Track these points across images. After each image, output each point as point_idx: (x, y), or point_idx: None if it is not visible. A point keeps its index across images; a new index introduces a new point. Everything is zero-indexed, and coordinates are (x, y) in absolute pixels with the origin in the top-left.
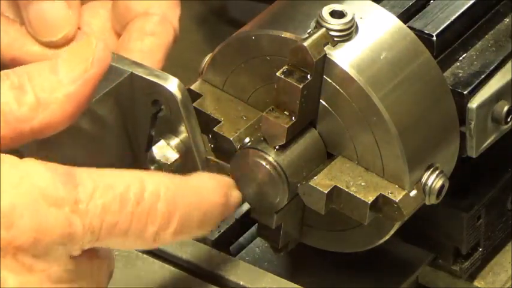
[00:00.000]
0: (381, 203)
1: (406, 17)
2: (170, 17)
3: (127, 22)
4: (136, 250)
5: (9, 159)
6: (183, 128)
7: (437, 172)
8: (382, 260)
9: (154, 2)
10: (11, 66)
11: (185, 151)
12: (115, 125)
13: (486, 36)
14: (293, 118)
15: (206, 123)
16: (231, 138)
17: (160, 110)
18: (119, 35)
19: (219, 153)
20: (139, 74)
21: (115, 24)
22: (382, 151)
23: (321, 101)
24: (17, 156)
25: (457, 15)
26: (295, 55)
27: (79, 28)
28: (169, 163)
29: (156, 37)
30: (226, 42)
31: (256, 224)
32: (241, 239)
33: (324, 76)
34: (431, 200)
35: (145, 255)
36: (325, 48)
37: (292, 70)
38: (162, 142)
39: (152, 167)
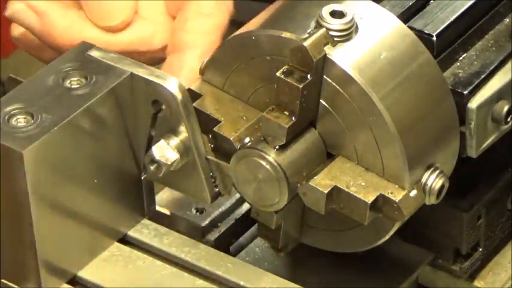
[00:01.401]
0: (380, 203)
1: (406, 17)
2: None
3: (182, 4)
4: (136, 250)
5: None
6: (183, 128)
7: (437, 172)
8: (382, 260)
9: None
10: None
11: (185, 151)
12: (115, 125)
13: (486, 36)
14: (293, 118)
15: (206, 123)
16: (231, 138)
17: (160, 110)
18: (173, 17)
19: (219, 153)
20: (140, 74)
21: (170, 7)
22: (382, 151)
23: (321, 101)
24: None
25: (457, 15)
26: (295, 55)
27: (135, 12)
28: (169, 163)
29: (212, 18)
30: (226, 42)
31: (256, 224)
32: (241, 239)
33: (324, 76)
34: (431, 200)
35: (145, 255)
36: (325, 48)
37: (292, 70)
38: (162, 142)
39: (152, 167)
